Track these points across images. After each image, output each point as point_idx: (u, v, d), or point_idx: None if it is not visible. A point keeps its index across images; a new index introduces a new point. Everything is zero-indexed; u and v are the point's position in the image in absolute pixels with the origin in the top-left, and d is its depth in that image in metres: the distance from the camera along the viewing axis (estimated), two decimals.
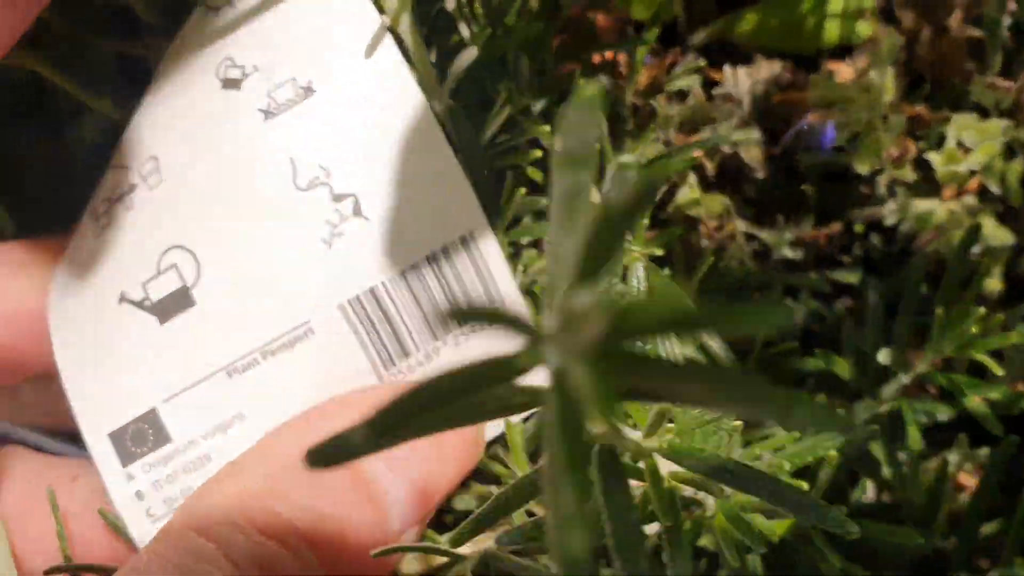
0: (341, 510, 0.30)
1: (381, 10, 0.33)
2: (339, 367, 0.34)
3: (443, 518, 0.39)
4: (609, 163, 0.38)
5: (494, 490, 0.37)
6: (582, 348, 0.13)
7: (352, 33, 0.33)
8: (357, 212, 0.33)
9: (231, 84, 0.34)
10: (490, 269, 0.34)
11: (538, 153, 0.37)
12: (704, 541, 0.34)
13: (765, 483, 0.26)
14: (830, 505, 0.26)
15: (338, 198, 0.33)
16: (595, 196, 0.39)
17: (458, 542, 0.28)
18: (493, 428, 0.35)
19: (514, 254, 0.37)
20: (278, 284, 0.33)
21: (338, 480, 0.31)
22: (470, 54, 0.32)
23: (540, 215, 0.39)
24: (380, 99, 0.33)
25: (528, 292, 0.36)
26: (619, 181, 0.17)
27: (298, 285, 0.33)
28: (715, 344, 0.37)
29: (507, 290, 0.34)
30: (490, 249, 0.33)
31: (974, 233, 0.36)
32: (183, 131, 0.35)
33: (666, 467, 0.28)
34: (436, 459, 0.33)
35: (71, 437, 0.60)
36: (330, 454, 0.17)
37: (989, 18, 0.41)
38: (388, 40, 0.33)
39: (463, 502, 0.36)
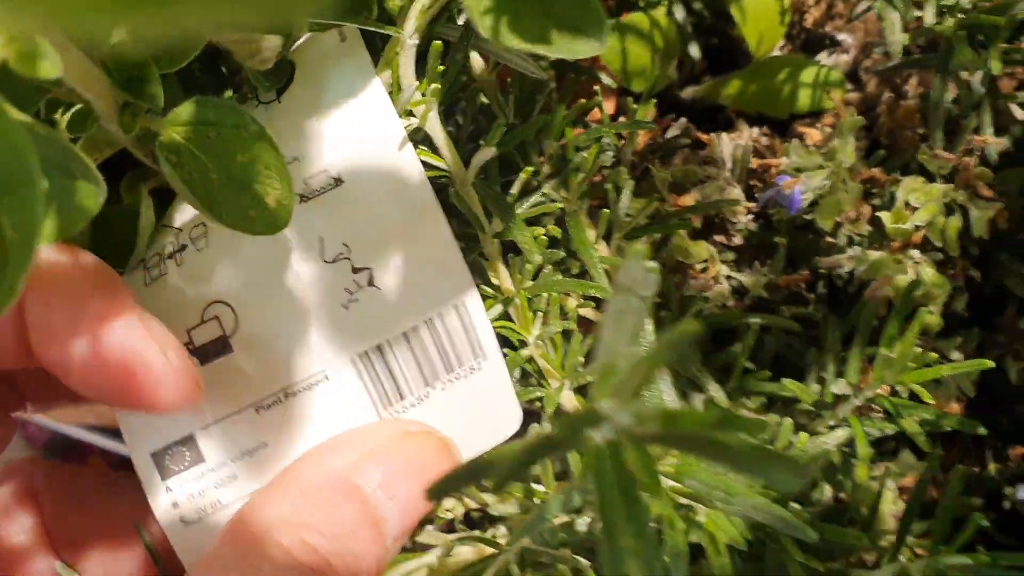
0: (352, 533, 0.39)
1: (411, 113, 0.42)
2: (347, 407, 0.42)
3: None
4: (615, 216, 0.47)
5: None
6: (637, 435, 0.22)
7: (377, 135, 0.41)
8: (371, 283, 0.41)
9: None
10: (476, 328, 0.42)
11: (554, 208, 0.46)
12: (694, 537, 0.44)
13: (743, 500, 0.35)
14: (793, 515, 0.36)
15: (356, 271, 0.41)
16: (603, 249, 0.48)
17: (515, 539, 0.38)
18: (470, 451, 0.43)
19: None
20: (302, 338, 0.41)
21: (350, 509, 0.39)
22: (488, 152, 0.40)
23: (558, 264, 0.48)
24: (396, 190, 0.41)
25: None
26: (634, 271, 0.26)
27: (318, 339, 0.41)
28: (703, 376, 0.47)
29: (489, 344, 0.42)
30: (477, 312, 0.42)
31: (915, 285, 0.45)
32: None
33: (667, 483, 0.37)
34: (420, 487, 0.41)
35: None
36: (442, 490, 0.26)
37: (933, 99, 0.50)
38: (406, 142, 0.41)
39: (499, 509, 0.45)
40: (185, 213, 0.44)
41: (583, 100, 0.47)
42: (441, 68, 0.41)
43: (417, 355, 0.42)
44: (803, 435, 0.45)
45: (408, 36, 0.40)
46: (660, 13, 0.57)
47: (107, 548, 0.45)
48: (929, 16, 0.48)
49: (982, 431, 0.46)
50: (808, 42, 0.61)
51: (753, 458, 0.23)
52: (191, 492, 0.42)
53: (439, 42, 0.40)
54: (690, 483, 0.36)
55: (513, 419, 0.44)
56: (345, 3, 0.42)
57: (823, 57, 0.60)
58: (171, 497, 0.42)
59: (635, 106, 0.52)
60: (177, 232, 0.44)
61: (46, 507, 0.46)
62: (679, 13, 0.61)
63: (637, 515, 0.20)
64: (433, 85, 0.40)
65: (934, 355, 0.45)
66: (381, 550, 0.40)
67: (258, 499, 0.40)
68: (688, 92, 0.62)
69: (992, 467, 0.57)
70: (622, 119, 0.57)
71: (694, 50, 0.62)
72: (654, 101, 0.53)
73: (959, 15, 0.49)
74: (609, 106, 0.61)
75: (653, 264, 0.28)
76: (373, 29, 0.40)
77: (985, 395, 0.56)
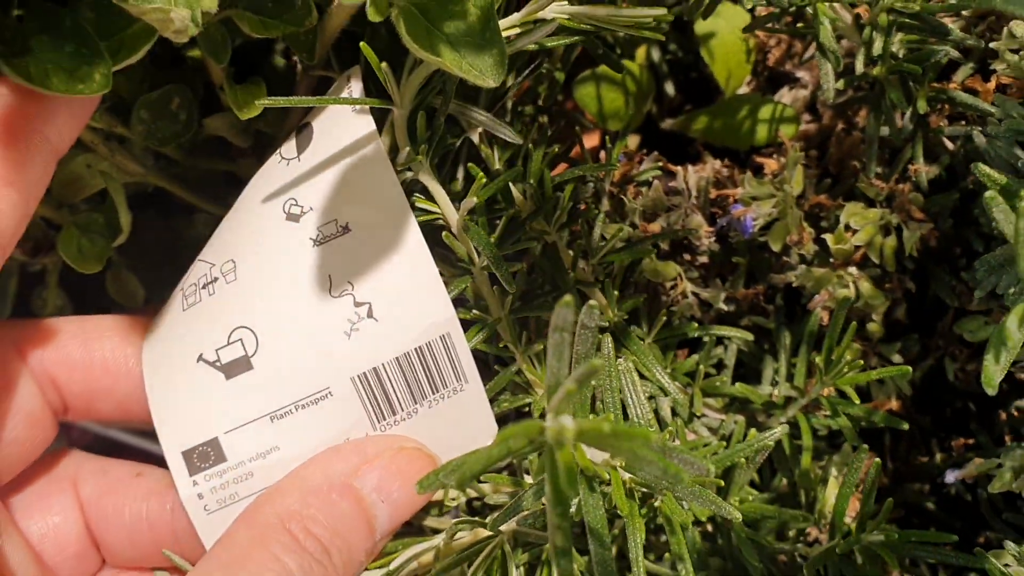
0: (349, 530, 0.48)
1: (409, 168, 0.50)
2: (347, 419, 0.50)
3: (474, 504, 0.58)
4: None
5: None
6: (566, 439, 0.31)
7: (379, 190, 0.49)
8: (370, 315, 0.49)
9: (293, 218, 0.50)
10: (459, 356, 0.50)
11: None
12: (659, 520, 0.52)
13: (683, 488, 0.44)
14: (722, 499, 0.44)
15: (358, 304, 0.49)
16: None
17: (496, 524, 0.47)
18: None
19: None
20: (311, 360, 0.50)
21: (347, 506, 0.48)
22: (472, 201, 0.49)
23: (541, 288, 0.57)
24: (392, 238, 0.49)
25: None
26: (565, 315, 0.34)
27: (324, 362, 0.50)
28: (666, 380, 0.55)
29: (470, 370, 0.50)
30: (461, 343, 0.50)
31: (846, 302, 0.53)
32: (255, 247, 0.51)
33: (626, 475, 0.46)
34: (409, 491, 0.49)
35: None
36: (430, 484, 0.34)
37: (867, 134, 0.58)
38: (402, 196, 0.49)
39: (494, 499, 0.54)
40: (218, 250, 0.53)
41: (556, 147, 0.56)
42: (427, 133, 0.50)
43: (408, 377, 0.50)
44: (752, 431, 0.53)
45: (400, 108, 0.48)
46: (634, 62, 0.65)
47: (136, 528, 0.53)
48: (859, 65, 0.56)
49: (904, 426, 0.54)
50: (772, 78, 0.69)
51: (648, 459, 0.32)
52: (214, 486, 0.51)
53: (423, 112, 0.48)
54: (641, 474, 0.44)
55: (489, 433, 0.52)
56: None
57: (784, 92, 0.68)
58: (197, 489, 0.51)
59: (616, 143, 0.60)
60: (211, 266, 0.53)
61: (83, 491, 0.54)
62: (655, 54, 0.70)
63: (565, 498, 0.29)
64: (422, 145, 0.49)
65: (860, 362, 0.53)
66: (371, 543, 0.49)
67: (272, 492, 0.49)
68: (666, 124, 0.70)
69: (938, 457, 0.65)
70: (603, 153, 0.65)
71: (669, 87, 0.70)
72: (628, 138, 0.61)
73: (891, 61, 0.57)
74: (595, 139, 0.70)
75: (593, 302, 0.37)
76: (374, 104, 0.48)
77: (930, 392, 0.65)
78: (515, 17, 0.45)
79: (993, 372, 0.37)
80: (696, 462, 0.35)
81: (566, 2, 0.45)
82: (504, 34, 0.43)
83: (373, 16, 0.37)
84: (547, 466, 0.32)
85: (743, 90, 0.70)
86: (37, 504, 0.53)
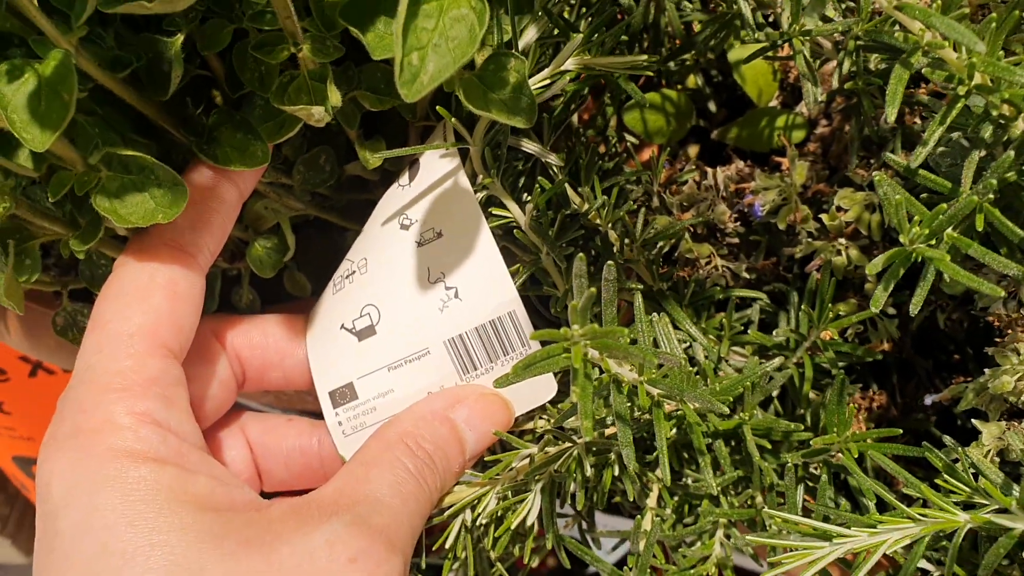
0: (447, 447, 0.67)
1: (486, 187, 0.71)
2: (441, 372, 0.67)
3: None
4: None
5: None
6: (586, 343, 0.52)
7: (463, 205, 0.67)
8: (457, 296, 0.66)
9: (404, 228, 0.68)
10: (523, 327, 0.67)
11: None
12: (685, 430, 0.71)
13: (702, 398, 0.63)
14: (728, 408, 0.63)
15: (448, 288, 0.66)
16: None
17: (560, 420, 0.67)
18: (522, 408, 0.68)
19: None
20: (415, 328, 0.67)
21: (446, 431, 0.64)
22: (531, 207, 0.70)
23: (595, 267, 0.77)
24: (472, 240, 0.67)
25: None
26: (579, 267, 0.55)
27: (425, 330, 0.66)
28: (694, 330, 0.75)
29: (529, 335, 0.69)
30: (523, 318, 0.67)
31: (828, 264, 0.72)
32: (380, 248, 0.71)
33: (653, 391, 0.66)
34: (489, 424, 0.69)
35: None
36: (504, 383, 0.56)
37: (850, 134, 0.76)
38: (479, 209, 0.68)
39: (571, 424, 0.74)
40: (356, 252, 0.75)
41: (603, 161, 0.76)
42: (495, 163, 0.71)
43: (484, 342, 0.69)
44: (762, 364, 0.72)
45: (474, 146, 0.69)
46: (675, 89, 0.85)
47: (291, 456, 0.75)
48: (835, 82, 0.74)
49: (878, 357, 0.72)
50: (795, 92, 0.88)
51: (633, 351, 0.52)
52: (349, 416, 0.72)
53: (488, 148, 0.69)
54: (661, 386, 0.64)
55: (550, 388, 0.68)
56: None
57: (803, 103, 0.86)
58: (338, 419, 0.72)
59: (661, 153, 0.80)
60: (351, 263, 0.75)
61: (249, 434, 0.72)
62: (699, 80, 0.90)
63: (589, 387, 0.50)
64: (492, 171, 0.70)
65: (842, 309, 0.72)
66: (462, 460, 0.68)
67: (392, 420, 0.69)
68: (713, 135, 0.90)
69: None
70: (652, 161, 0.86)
71: (712, 106, 0.90)
72: (689, 147, 0.81)
73: (865, 76, 0.75)
74: (649, 152, 0.90)
75: (611, 263, 0.57)
76: (456, 146, 0.70)
77: (931, 339, 0.82)
78: (546, 72, 0.66)
79: (879, 296, 0.55)
80: (671, 356, 0.55)
81: (584, 55, 0.66)
82: (540, 84, 0.65)
83: (447, 88, 0.59)
84: (572, 356, 0.53)
85: (773, 103, 0.88)
86: (220, 443, 0.73)
